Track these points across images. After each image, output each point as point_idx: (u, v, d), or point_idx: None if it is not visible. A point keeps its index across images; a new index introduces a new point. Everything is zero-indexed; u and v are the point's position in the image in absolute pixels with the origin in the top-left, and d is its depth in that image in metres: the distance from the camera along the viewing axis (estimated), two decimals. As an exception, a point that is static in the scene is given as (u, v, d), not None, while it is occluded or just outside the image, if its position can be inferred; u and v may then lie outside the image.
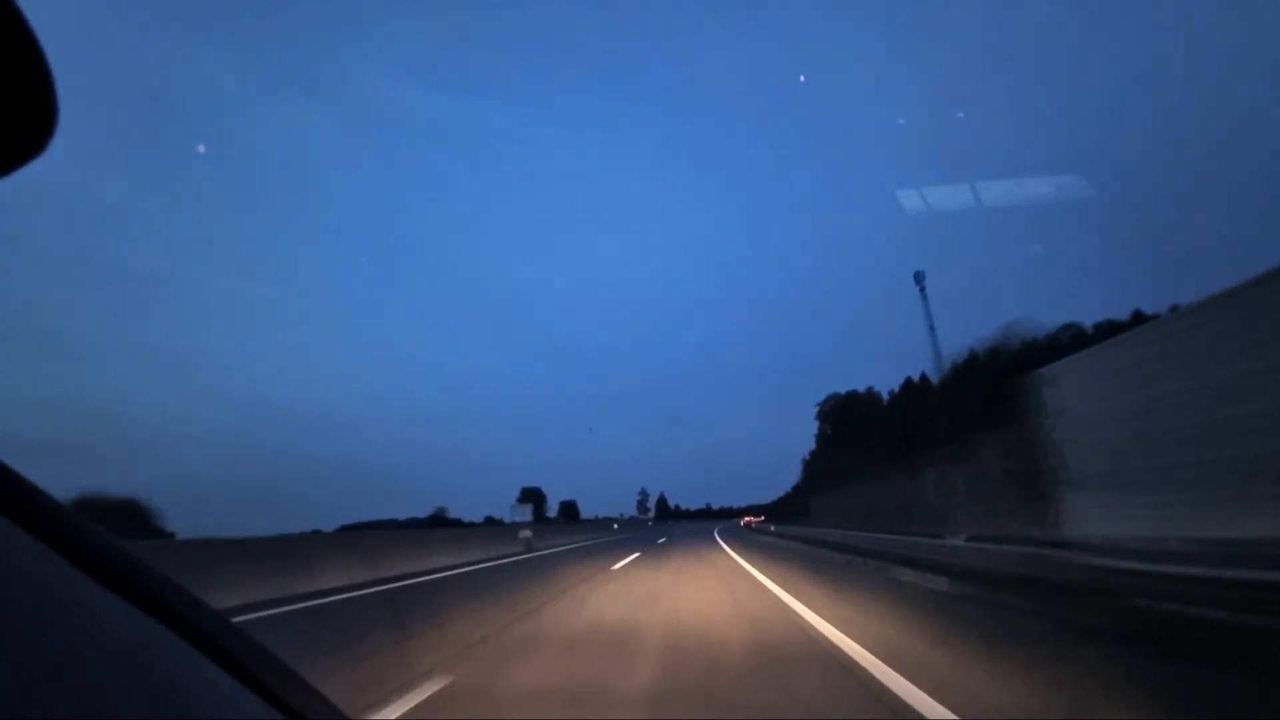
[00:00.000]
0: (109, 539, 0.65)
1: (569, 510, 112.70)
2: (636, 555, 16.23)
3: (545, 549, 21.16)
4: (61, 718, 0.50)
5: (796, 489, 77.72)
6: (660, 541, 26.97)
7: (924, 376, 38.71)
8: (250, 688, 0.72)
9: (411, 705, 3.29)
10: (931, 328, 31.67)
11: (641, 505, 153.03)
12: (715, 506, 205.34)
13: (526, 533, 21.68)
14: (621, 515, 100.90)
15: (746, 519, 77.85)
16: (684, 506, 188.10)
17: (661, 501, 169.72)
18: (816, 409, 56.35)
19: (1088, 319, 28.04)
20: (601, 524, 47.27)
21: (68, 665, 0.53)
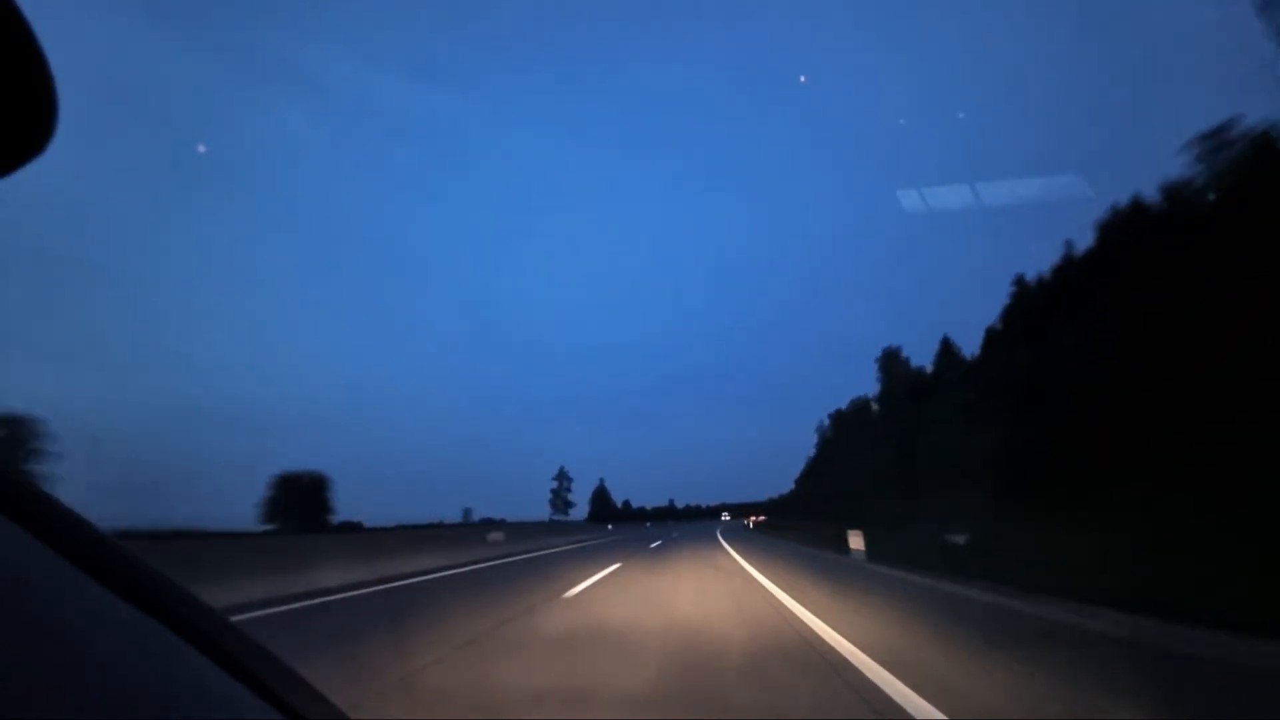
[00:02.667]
0: (109, 539, 0.65)
1: (307, 508, 43.19)
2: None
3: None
4: (62, 718, 0.50)
5: (811, 471, 69.76)
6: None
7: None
8: (250, 688, 0.72)
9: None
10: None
11: (559, 498, 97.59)
12: (680, 505, 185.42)
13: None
14: (499, 521, 41.89)
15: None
16: (639, 504, 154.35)
17: (600, 494, 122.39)
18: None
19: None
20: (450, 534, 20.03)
21: (68, 665, 0.53)
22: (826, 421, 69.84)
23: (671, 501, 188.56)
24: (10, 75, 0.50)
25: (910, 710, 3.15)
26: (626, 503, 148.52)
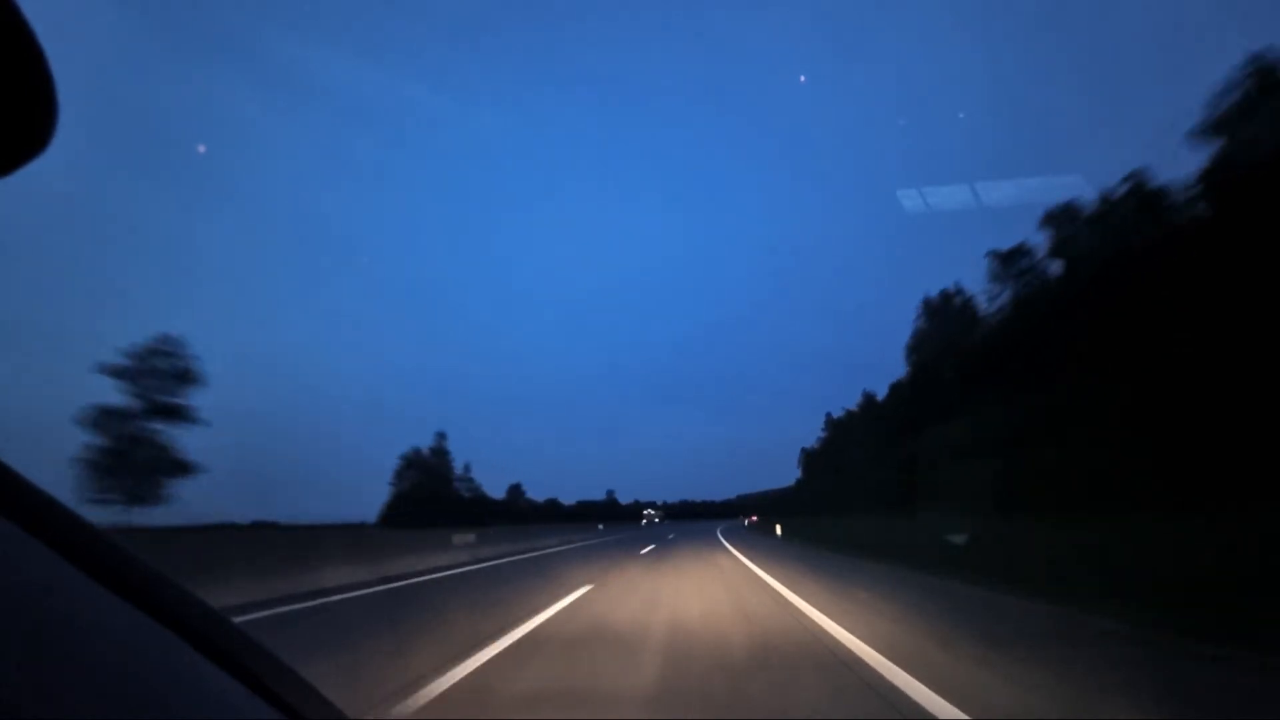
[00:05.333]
0: (109, 539, 0.65)
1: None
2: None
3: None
4: (62, 718, 0.50)
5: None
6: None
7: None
8: (250, 688, 0.72)
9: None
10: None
11: (114, 443, 28.08)
12: (625, 502, 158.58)
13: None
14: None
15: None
16: (547, 497, 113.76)
17: (434, 466, 68.30)
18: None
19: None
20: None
21: (68, 665, 0.53)
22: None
23: (611, 493, 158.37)
24: (10, 75, 0.50)
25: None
26: (516, 486, 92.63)
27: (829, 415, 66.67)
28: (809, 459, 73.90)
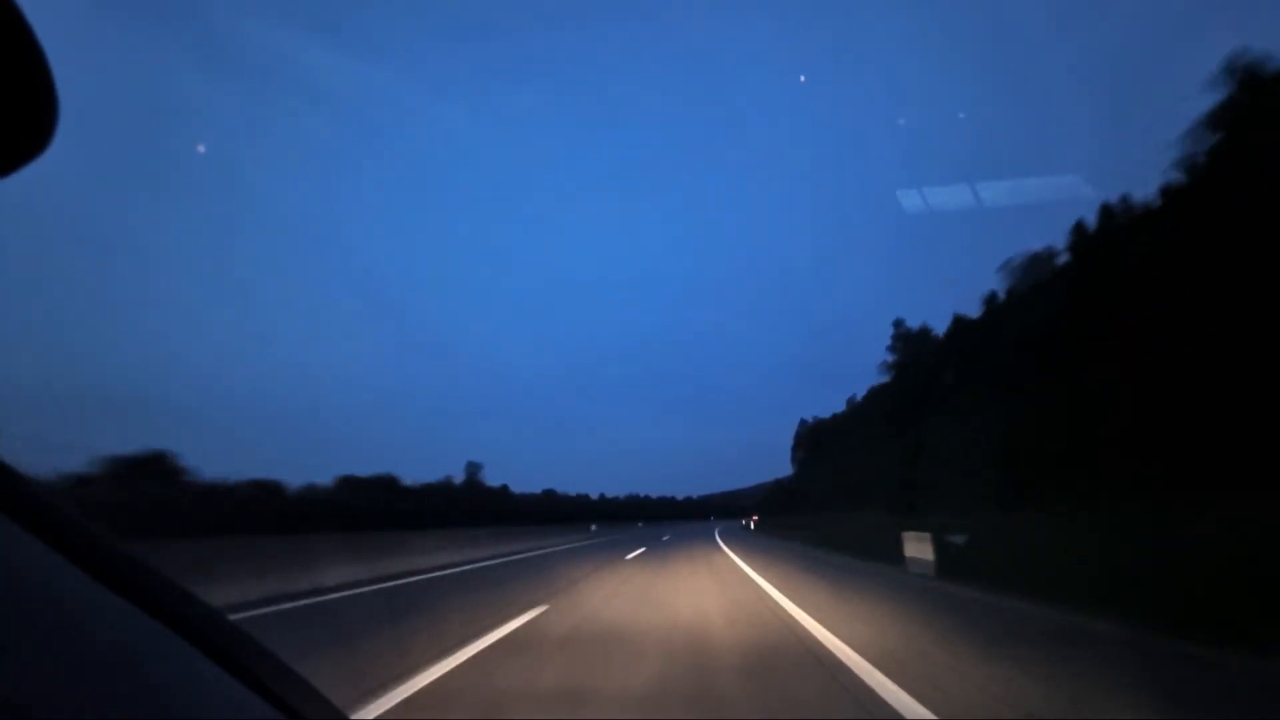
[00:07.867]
0: (109, 539, 0.65)
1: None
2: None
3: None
4: (62, 718, 0.50)
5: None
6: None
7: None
8: (250, 687, 0.72)
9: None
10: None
11: None
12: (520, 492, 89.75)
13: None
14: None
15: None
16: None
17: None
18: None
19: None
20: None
21: (68, 665, 0.53)
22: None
23: (495, 483, 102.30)
24: (10, 75, 0.50)
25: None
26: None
27: (899, 324, 41.30)
28: (813, 435, 64.73)
